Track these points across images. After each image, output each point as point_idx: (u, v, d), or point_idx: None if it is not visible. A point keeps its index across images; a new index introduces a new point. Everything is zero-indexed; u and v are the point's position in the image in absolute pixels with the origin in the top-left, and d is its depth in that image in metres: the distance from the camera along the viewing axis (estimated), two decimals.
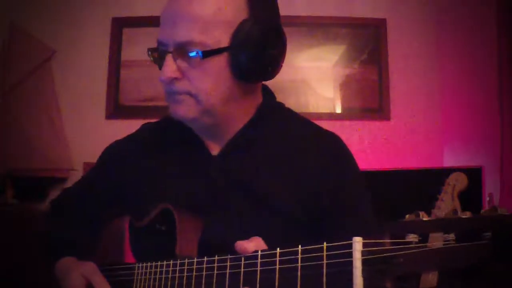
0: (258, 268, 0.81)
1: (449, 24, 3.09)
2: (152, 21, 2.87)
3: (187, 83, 1.00)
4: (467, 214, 0.61)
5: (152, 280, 1.02)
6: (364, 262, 0.65)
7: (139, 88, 3.08)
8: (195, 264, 0.92)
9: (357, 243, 0.66)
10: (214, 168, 1.08)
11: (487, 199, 2.56)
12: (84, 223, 1.25)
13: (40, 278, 1.21)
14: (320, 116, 3.01)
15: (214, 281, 0.88)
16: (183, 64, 0.99)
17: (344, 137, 1.14)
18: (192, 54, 0.97)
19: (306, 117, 1.16)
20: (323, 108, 3.12)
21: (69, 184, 1.77)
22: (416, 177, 2.62)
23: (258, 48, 0.99)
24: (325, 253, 0.71)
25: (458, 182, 1.96)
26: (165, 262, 0.99)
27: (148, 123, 1.24)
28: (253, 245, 0.85)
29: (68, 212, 1.27)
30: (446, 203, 1.94)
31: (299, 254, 0.75)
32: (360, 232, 0.68)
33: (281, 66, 1.05)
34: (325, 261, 0.71)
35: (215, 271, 0.88)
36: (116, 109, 3.10)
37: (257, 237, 0.88)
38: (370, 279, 0.64)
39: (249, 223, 1.01)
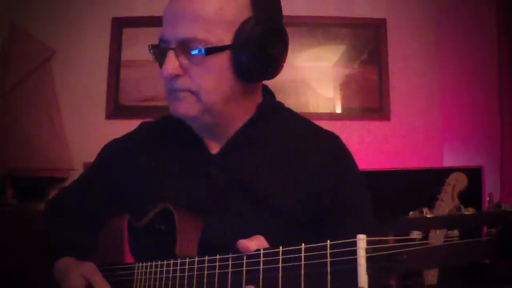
0: (261, 267, 0.80)
1: (449, 24, 3.09)
2: (152, 21, 2.90)
3: (188, 80, 1.00)
4: (470, 211, 0.61)
5: (152, 280, 1.01)
6: (369, 260, 0.65)
7: (139, 88, 3.07)
8: (196, 263, 0.92)
9: (361, 240, 0.66)
10: (214, 166, 1.07)
11: (487, 199, 2.56)
12: (83, 222, 1.24)
13: (40, 278, 1.21)
14: (320, 116, 3.01)
15: (216, 280, 0.87)
16: (184, 61, 0.99)
17: (344, 137, 1.14)
18: (195, 51, 0.97)
19: (306, 117, 1.16)
20: (323, 108, 3.12)
21: None
22: (416, 177, 2.61)
23: (260, 48, 0.98)
24: (328, 251, 0.71)
25: (458, 182, 1.95)
26: (165, 262, 0.98)
27: (146, 122, 1.24)
28: (255, 243, 0.85)
29: (67, 211, 1.26)
30: (446, 203, 1.93)
31: (303, 252, 0.75)
32: (360, 232, 0.68)
33: (283, 66, 1.05)
34: (329, 259, 0.71)
35: (217, 270, 0.87)
36: (116, 109, 3.09)
37: (259, 235, 0.87)
38: (374, 277, 0.64)
39: (249, 223, 1.01)
